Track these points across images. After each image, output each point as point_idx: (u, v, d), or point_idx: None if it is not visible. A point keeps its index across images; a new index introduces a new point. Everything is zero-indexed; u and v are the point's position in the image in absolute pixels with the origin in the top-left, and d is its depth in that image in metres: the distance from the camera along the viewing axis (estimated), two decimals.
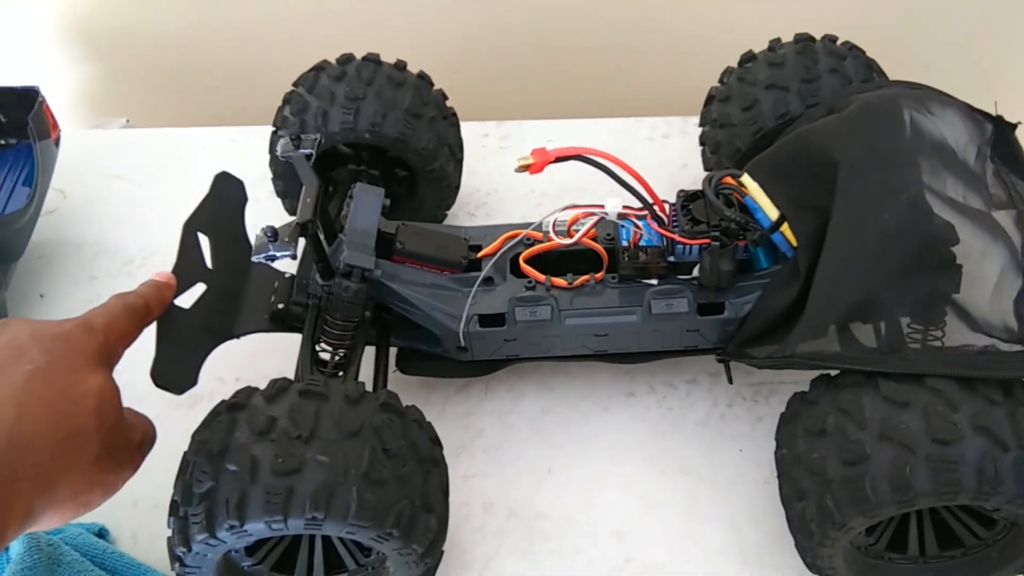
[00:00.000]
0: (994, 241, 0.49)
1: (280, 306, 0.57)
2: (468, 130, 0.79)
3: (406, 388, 0.63)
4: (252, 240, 0.53)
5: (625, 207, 0.55)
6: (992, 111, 0.57)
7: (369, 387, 0.56)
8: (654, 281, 0.56)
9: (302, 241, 0.52)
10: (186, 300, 0.54)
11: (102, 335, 0.43)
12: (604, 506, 0.58)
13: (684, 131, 0.82)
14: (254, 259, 0.49)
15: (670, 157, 0.80)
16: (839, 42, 0.66)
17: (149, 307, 0.48)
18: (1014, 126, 0.55)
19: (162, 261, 0.52)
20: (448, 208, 0.71)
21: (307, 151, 0.54)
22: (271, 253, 0.49)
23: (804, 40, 0.65)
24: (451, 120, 0.69)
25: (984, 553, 0.50)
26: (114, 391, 0.43)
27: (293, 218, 0.51)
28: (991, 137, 0.55)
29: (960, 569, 0.51)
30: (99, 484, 0.42)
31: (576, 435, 0.61)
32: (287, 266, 0.56)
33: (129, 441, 0.44)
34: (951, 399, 0.45)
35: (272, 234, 0.49)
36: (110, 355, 0.44)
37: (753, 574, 0.55)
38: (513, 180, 0.76)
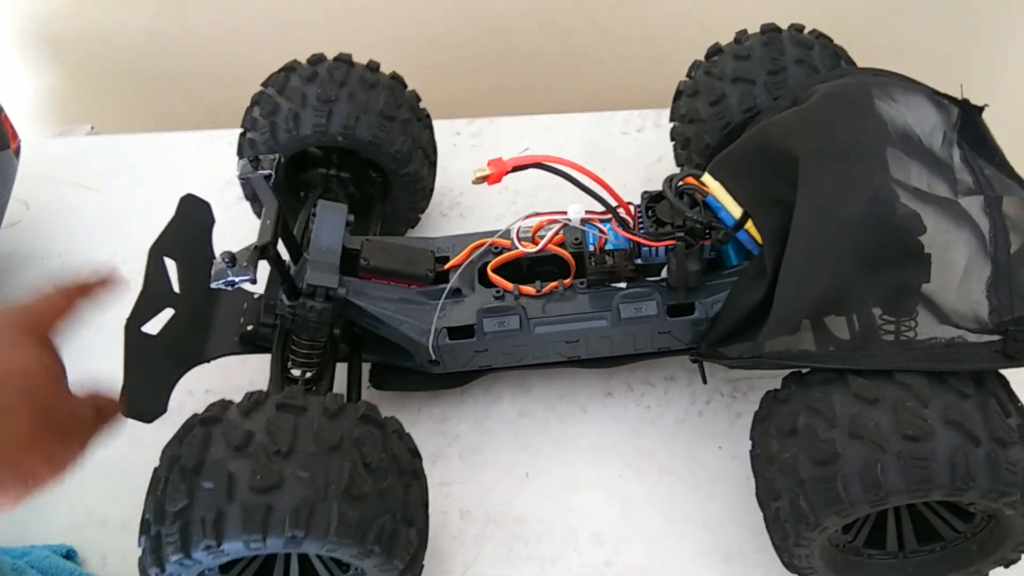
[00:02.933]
0: (960, 229, 0.49)
1: (249, 328, 0.56)
2: (440, 128, 0.78)
3: (380, 398, 0.63)
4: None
5: (589, 211, 0.55)
6: (959, 95, 0.56)
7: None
8: (623, 284, 0.56)
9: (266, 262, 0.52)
10: (154, 326, 0.54)
11: (34, 311, 0.44)
12: (583, 509, 0.57)
13: (659, 124, 0.81)
14: (212, 286, 0.49)
15: (645, 151, 0.79)
16: (806, 31, 0.65)
17: (85, 284, 0.48)
18: (980, 109, 0.54)
19: (130, 271, 0.52)
20: (422, 211, 0.71)
21: (266, 172, 0.53)
22: (230, 279, 0.48)
23: (770, 31, 0.64)
24: (425, 122, 0.68)
25: (963, 546, 0.50)
26: (45, 367, 0.42)
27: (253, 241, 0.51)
28: (957, 121, 0.54)
29: (940, 563, 0.50)
30: (45, 459, 0.42)
31: (554, 437, 0.61)
32: (260, 283, 0.56)
33: (74, 414, 0.43)
34: (921, 394, 0.44)
35: (230, 260, 0.48)
36: (43, 328, 0.44)
37: (736, 573, 0.55)
38: None
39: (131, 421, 0.52)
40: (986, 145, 0.54)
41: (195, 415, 0.47)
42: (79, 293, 0.47)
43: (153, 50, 0.90)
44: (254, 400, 0.46)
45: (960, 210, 0.49)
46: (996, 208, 0.49)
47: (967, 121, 0.54)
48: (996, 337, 0.46)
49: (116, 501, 0.45)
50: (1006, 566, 0.50)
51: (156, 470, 0.46)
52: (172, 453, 0.45)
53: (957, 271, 0.48)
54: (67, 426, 0.43)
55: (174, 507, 0.43)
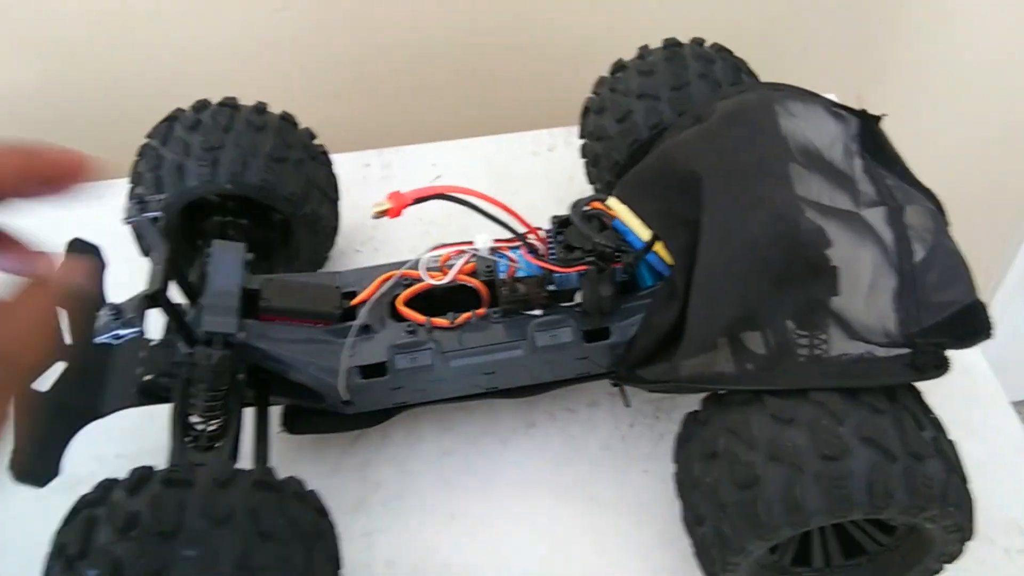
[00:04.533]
0: (864, 241, 0.49)
1: (148, 378, 0.53)
2: (348, 161, 0.76)
3: (298, 443, 0.60)
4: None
5: (497, 240, 0.53)
6: (857, 104, 0.56)
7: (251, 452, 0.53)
8: (538, 312, 0.54)
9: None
10: (44, 382, 0.51)
11: None
12: (511, 548, 0.56)
13: (569, 142, 0.80)
14: (97, 341, 0.46)
15: (556, 170, 0.79)
16: (707, 44, 0.65)
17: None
18: (878, 119, 0.55)
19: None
20: (328, 250, 0.68)
21: (153, 214, 0.50)
22: (116, 332, 0.45)
23: (672, 46, 0.64)
24: (320, 159, 0.66)
25: (888, 557, 0.50)
26: None
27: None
28: (857, 132, 0.54)
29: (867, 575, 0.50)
30: None
31: (478, 475, 0.59)
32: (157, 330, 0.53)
33: None
34: (835, 412, 0.44)
35: (115, 312, 0.45)
36: None
37: None
38: None
39: (42, 490, 0.49)
40: (886, 154, 0.54)
41: (82, 497, 0.44)
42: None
43: (45, 104, 0.86)
44: (139, 477, 0.43)
45: (863, 222, 0.50)
46: (898, 218, 0.50)
47: (867, 131, 0.54)
48: (905, 350, 0.46)
49: None
50: None
51: (48, 556, 0.43)
52: (60, 540, 0.43)
53: (864, 284, 0.48)
54: None
55: None
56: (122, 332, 0.46)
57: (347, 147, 0.78)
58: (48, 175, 0.37)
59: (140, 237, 0.60)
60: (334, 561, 0.47)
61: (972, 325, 0.46)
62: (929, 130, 0.97)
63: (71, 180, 0.37)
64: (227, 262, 0.53)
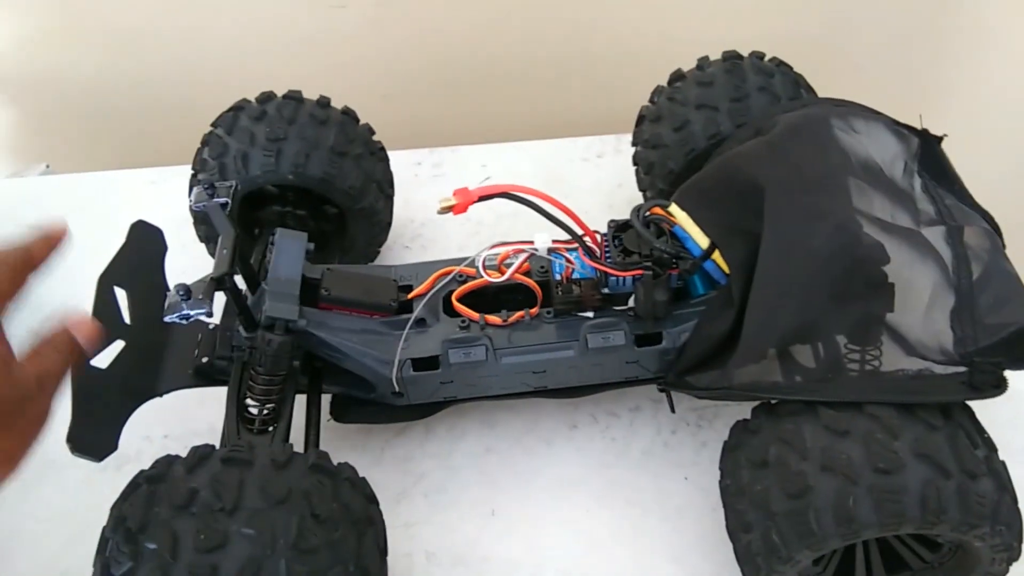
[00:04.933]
0: (923, 259, 0.49)
1: (204, 360, 0.54)
2: (400, 159, 0.77)
3: (343, 433, 0.61)
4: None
5: (555, 241, 0.54)
6: (918, 123, 0.56)
7: (301, 438, 0.54)
8: (590, 314, 0.55)
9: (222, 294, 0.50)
10: (103, 359, 0.52)
11: None
12: (549, 546, 0.56)
13: (619, 150, 0.81)
14: (166, 320, 0.47)
15: (605, 177, 0.79)
16: (766, 58, 0.65)
17: (31, 255, 0.43)
18: (939, 139, 0.55)
19: (88, 313, 0.50)
20: (380, 244, 0.70)
21: (222, 200, 0.51)
22: (185, 312, 0.47)
23: (732, 58, 0.65)
24: (379, 155, 0.67)
25: (932, 575, 0.50)
26: None
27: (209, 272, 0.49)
28: (917, 151, 0.55)
29: None
30: None
31: (519, 473, 0.60)
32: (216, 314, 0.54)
33: (19, 400, 0.40)
34: (890, 426, 0.44)
35: (185, 292, 0.47)
36: None
37: None
38: None
39: (88, 470, 0.50)
40: (946, 175, 0.54)
41: (141, 472, 0.45)
42: (27, 265, 0.43)
43: (106, 88, 0.88)
44: (199, 455, 0.44)
45: (923, 240, 0.50)
46: (958, 238, 0.50)
47: (927, 151, 0.55)
48: (962, 369, 0.46)
49: (76, 552, 0.43)
50: None
51: (104, 530, 0.44)
52: (118, 513, 0.44)
53: (921, 301, 0.48)
54: (15, 418, 0.40)
55: (119, 570, 0.41)
56: (191, 312, 0.47)
57: (399, 145, 0.79)
58: (36, 264, 0.43)
59: (203, 223, 0.61)
60: (382, 549, 0.48)
61: None
62: (986, 151, 0.97)
63: (50, 250, 0.44)
64: (289, 250, 0.54)
